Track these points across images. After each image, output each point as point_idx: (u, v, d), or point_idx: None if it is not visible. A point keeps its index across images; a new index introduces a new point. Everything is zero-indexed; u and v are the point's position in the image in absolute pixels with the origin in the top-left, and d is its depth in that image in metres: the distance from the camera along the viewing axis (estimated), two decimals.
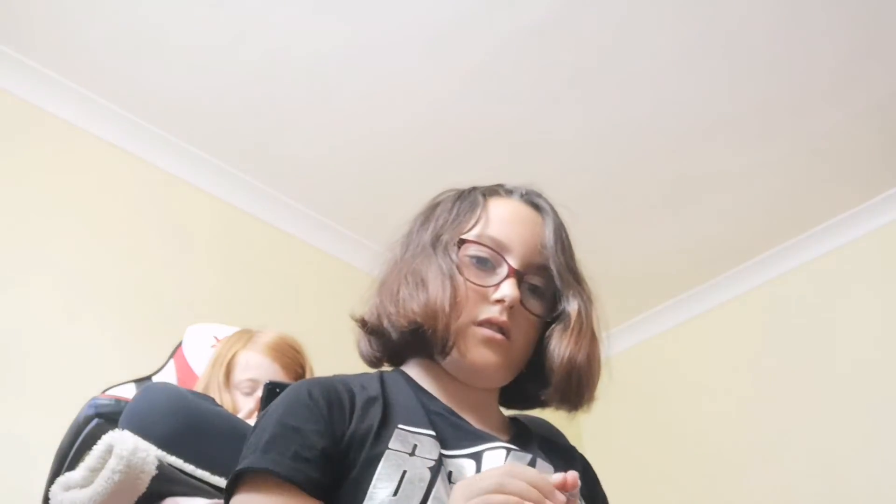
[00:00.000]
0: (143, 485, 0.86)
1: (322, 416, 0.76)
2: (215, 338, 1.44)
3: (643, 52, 2.11)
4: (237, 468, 0.73)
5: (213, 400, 1.14)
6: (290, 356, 1.40)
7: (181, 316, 1.87)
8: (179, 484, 0.89)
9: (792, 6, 1.99)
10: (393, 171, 2.43)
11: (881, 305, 2.48)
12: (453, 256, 0.87)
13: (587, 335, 0.87)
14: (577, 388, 0.86)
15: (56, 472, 1.07)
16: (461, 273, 0.86)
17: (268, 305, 2.32)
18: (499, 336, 0.84)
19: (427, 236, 0.91)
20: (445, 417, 0.83)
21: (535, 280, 0.88)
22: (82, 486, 0.89)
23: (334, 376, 0.85)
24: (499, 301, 0.85)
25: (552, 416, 0.95)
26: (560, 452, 0.92)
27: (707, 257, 2.80)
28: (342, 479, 0.73)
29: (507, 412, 0.96)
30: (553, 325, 0.88)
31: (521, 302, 0.86)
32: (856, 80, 2.17)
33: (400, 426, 0.77)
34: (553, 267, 0.88)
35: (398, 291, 0.86)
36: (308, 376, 1.40)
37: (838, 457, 2.39)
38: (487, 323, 0.84)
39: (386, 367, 0.94)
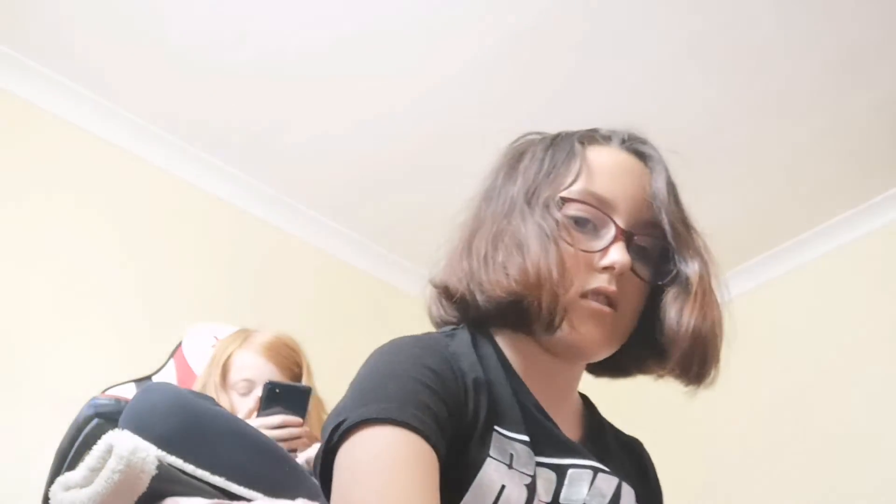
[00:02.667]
0: (143, 485, 0.85)
1: (447, 385, 0.67)
2: (215, 338, 1.45)
3: (642, 51, 2.11)
4: (364, 415, 0.62)
5: (212, 400, 1.14)
6: (286, 355, 1.40)
7: (181, 316, 1.87)
8: (179, 484, 0.89)
9: (792, 3, 1.99)
10: (394, 172, 2.43)
11: (885, 304, 2.48)
12: (556, 216, 0.74)
13: (710, 300, 0.76)
14: (701, 361, 0.75)
15: (56, 472, 1.07)
16: (564, 236, 0.74)
17: (267, 305, 2.32)
18: (606, 308, 0.74)
19: (516, 190, 0.79)
20: (536, 417, 0.74)
21: (644, 240, 0.77)
22: (82, 486, 0.88)
23: (429, 336, 0.74)
24: (607, 268, 0.74)
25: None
26: (628, 451, 0.86)
27: None
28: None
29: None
30: (668, 289, 0.77)
31: (631, 267, 0.75)
32: (858, 77, 2.17)
33: (497, 428, 0.69)
34: (666, 223, 0.76)
35: (492, 255, 0.74)
36: (305, 375, 1.40)
37: (840, 459, 2.39)
38: (594, 294, 0.74)
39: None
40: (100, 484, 0.86)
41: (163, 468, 0.88)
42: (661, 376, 0.80)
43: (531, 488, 0.67)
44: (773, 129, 2.32)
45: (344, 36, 2.05)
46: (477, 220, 0.81)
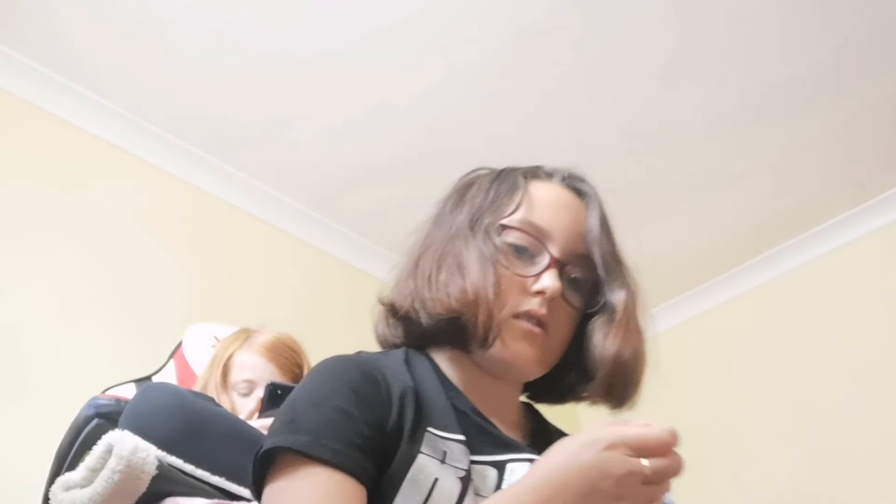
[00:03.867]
0: (143, 485, 0.85)
1: (368, 404, 0.70)
2: (215, 338, 1.44)
3: (643, 48, 2.11)
4: (280, 443, 0.67)
5: (213, 400, 1.14)
6: (287, 356, 1.39)
7: (181, 316, 1.87)
8: (179, 484, 0.89)
9: (788, 3, 1.98)
10: (394, 172, 2.43)
11: (885, 304, 2.48)
12: (496, 241, 0.81)
13: (633, 329, 0.82)
14: (622, 385, 0.81)
15: (56, 472, 1.07)
16: (501, 260, 0.80)
17: (268, 305, 2.32)
18: (537, 329, 0.79)
19: (462, 217, 0.85)
20: (473, 419, 0.78)
21: (576, 271, 0.83)
22: (82, 486, 0.88)
23: (360, 356, 0.79)
24: (539, 293, 0.79)
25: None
26: None
27: (706, 258, 2.80)
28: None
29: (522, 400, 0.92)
30: (595, 318, 0.83)
31: (562, 294, 0.80)
32: (855, 78, 2.17)
33: (430, 429, 0.72)
34: (597, 256, 0.82)
35: (435, 275, 0.80)
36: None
37: (839, 461, 2.39)
38: (526, 315, 0.79)
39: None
40: (100, 484, 0.86)
41: (163, 468, 0.88)
42: (593, 403, 0.85)
43: (465, 481, 0.69)
44: (771, 129, 2.32)
45: (335, 34, 2.05)
46: (425, 243, 0.87)
